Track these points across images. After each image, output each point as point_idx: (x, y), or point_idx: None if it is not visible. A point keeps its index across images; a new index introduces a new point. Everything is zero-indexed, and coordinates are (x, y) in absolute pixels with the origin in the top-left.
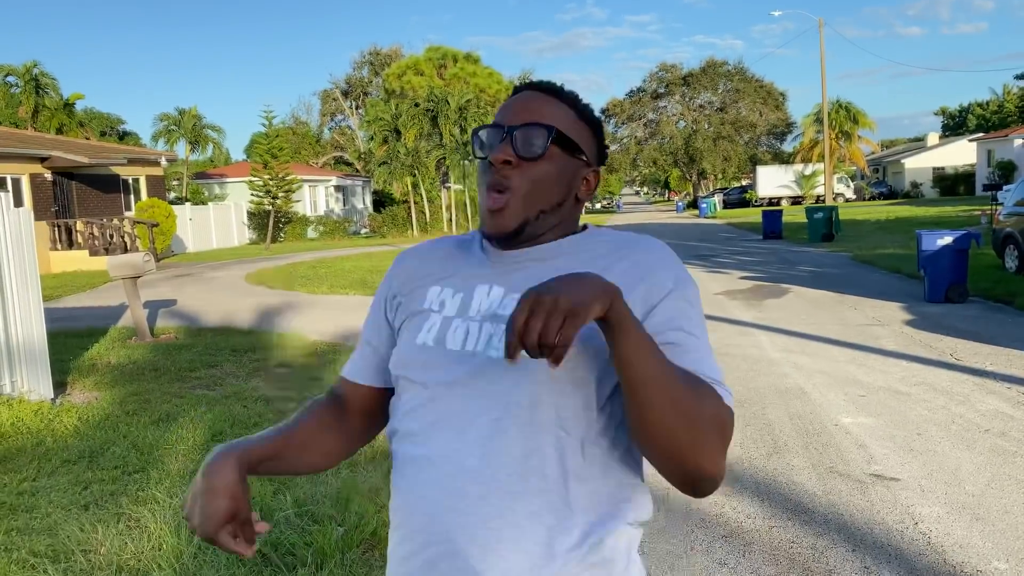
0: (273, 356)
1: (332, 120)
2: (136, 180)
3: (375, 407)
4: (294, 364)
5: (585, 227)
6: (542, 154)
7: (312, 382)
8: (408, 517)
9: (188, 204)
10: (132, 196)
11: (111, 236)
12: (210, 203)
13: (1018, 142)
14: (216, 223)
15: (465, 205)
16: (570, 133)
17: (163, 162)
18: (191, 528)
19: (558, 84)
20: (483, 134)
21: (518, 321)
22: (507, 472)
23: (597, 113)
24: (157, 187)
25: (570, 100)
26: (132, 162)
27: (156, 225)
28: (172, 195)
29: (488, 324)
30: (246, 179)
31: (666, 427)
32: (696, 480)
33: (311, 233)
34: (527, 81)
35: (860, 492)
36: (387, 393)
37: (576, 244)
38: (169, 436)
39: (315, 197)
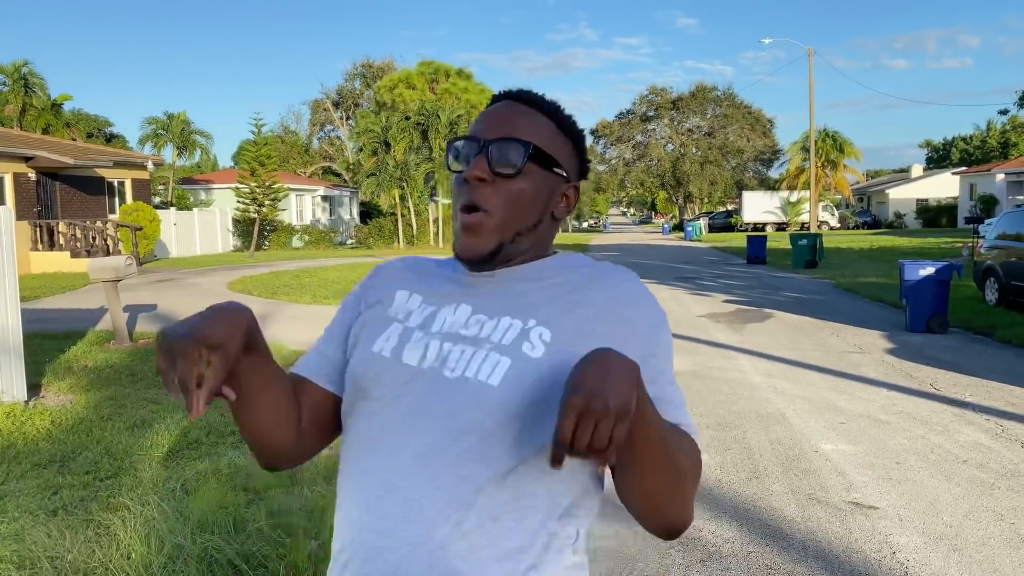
0: None
1: (321, 130)
2: (121, 183)
3: (324, 411)
4: None
5: (555, 252)
6: (518, 172)
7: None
8: (341, 529)
9: (173, 209)
10: (117, 199)
11: (93, 238)
12: (195, 209)
13: (1000, 177)
14: (201, 229)
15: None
16: (549, 147)
17: (149, 166)
18: (163, 337)
19: (538, 93)
20: (459, 145)
21: (566, 431)
22: (433, 499)
23: (583, 127)
24: (142, 191)
25: (550, 111)
26: (118, 165)
27: (140, 229)
28: (157, 199)
29: (448, 343)
30: (233, 186)
31: (659, 488)
32: (674, 528)
33: (296, 242)
34: (506, 90)
35: (839, 520)
36: (336, 401)
37: (551, 269)
38: (143, 442)
39: (301, 206)
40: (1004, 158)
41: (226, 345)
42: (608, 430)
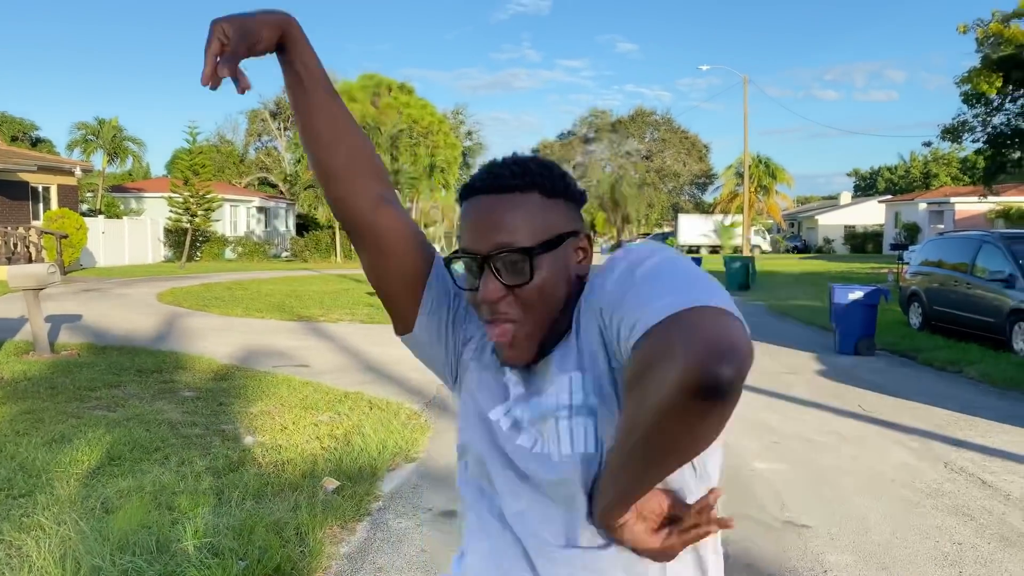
0: (180, 378)
1: (258, 140)
2: (47, 189)
3: (394, 243)
4: (202, 387)
5: None
6: (529, 279)
7: (220, 407)
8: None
9: (102, 217)
10: (41, 205)
11: (15, 245)
12: (125, 217)
13: (923, 206)
14: (130, 238)
15: None
16: (547, 228)
17: (77, 172)
18: (218, 25)
19: (507, 172)
20: (457, 267)
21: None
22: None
23: (551, 160)
24: (69, 197)
25: (530, 184)
26: (43, 170)
27: (65, 236)
28: (85, 207)
29: (537, 422)
30: (165, 195)
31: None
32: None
33: (229, 254)
34: (475, 182)
35: (773, 538)
36: (413, 260)
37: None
38: (62, 459)
39: (236, 217)
40: (926, 188)
41: (242, 28)
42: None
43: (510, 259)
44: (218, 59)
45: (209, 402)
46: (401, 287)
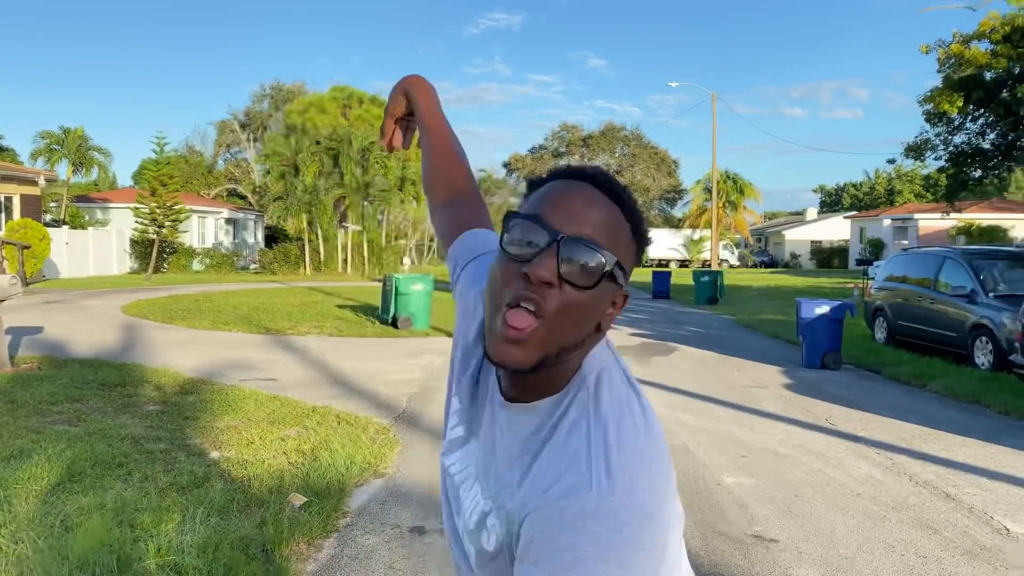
0: (144, 392)
1: (228, 151)
2: (9, 198)
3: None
4: (166, 401)
5: (580, 376)
6: (590, 287)
7: (185, 421)
8: None
9: (66, 227)
10: (3, 215)
11: None
12: (90, 228)
13: (887, 222)
14: (95, 249)
15: (362, 247)
16: (624, 259)
17: (41, 181)
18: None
19: (618, 184)
20: (520, 227)
21: None
22: None
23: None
24: (32, 207)
25: (629, 210)
26: (5, 179)
27: (27, 247)
28: (49, 217)
29: (473, 472)
30: (132, 205)
31: None
32: None
33: (197, 265)
34: (582, 168)
35: (741, 553)
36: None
37: (554, 419)
38: (20, 475)
39: (203, 229)
40: (891, 204)
41: (393, 101)
42: None
43: (583, 254)
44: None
45: (174, 416)
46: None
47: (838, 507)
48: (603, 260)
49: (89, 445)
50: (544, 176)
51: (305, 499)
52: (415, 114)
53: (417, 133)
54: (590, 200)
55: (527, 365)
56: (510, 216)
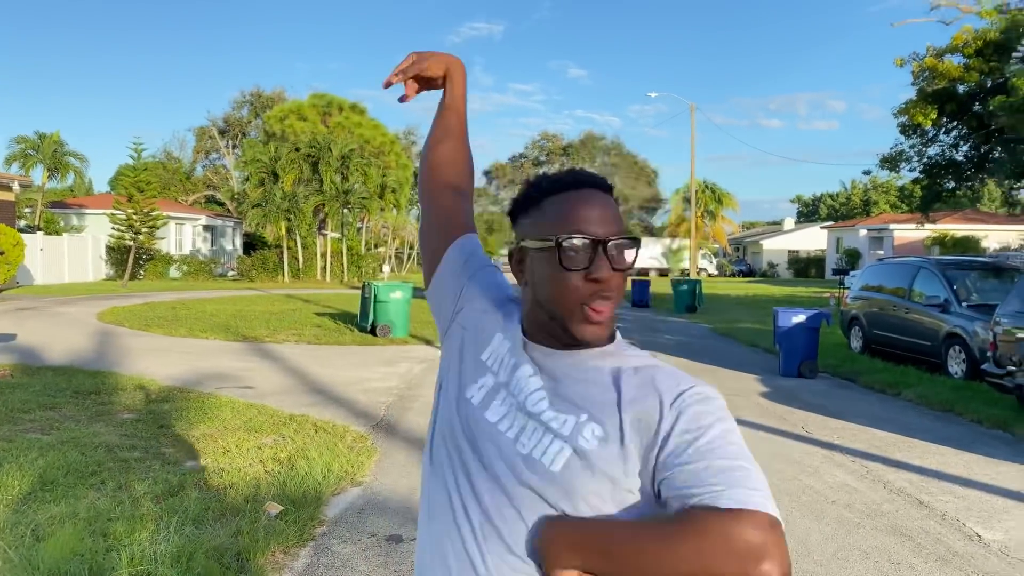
0: (119, 400)
1: (206, 158)
2: None
3: (437, 220)
4: (142, 409)
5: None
6: (631, 264)
7: (160, 429)
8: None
9: (40, 233)
10: None
11: None
12: (66, 234)
13: (863, 232)
14: (70, 255)
15: (341, 254)
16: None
17: (15, 187)
18: (411, 54)
19: (603, 179)
20: (571, 247)
21: None
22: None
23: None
24: (6, 213)
25: (613, 193)
26: None
27: (1, 253)
28: (23, 223)
29: (522, 416)
30: (108, 211)
31: None
32: None
33: (174, 272)
34: (592, 175)
35: None
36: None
37: (612, 356)
38: None
39: (181, 235)
40: (866, 215)
41: (431, 63)
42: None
43: (624, 247)
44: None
45: (149, 425)
46: (429, 256)
47: (813, 514)
48: (634, 247)
49: (62, 454)
50: (543, 183)
51: (281, 508)
52: (448, 92)
53: (419, 96)
54: (604, 202)
55: (606, 338)
56: (563, 241)
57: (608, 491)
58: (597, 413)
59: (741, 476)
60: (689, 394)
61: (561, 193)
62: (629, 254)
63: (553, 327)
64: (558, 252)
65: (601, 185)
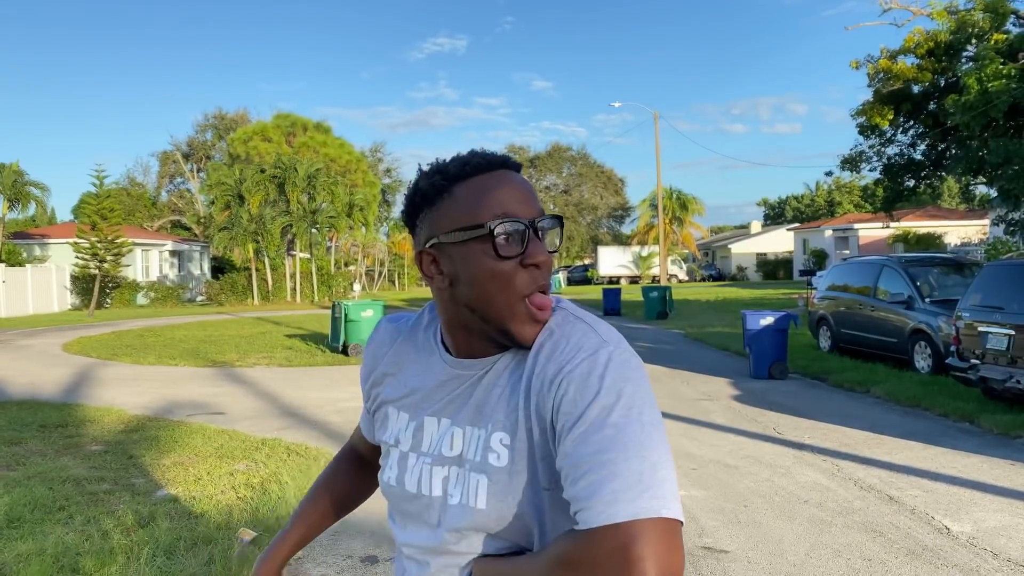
0: (87, 432)
1: (171, 183)
2: None
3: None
4: (110, 440)
5: None
6: (559, 244)
7: (129, 460)
8: None
9: (2, 265)
10: None
11: None
12: (29, 265)
13: (828, 233)
14: (34, 286)
15: (311, 274)
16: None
17: None
18: None
19: (511, 158)
20: (509, 229)
21: None
22: None
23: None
24: None
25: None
26: None
27: None
28: None
29: (438, 466)
30: (72, 240)
31: None
32: None
33: (141, 299)
34: (506, 157)
35: (692, 566)
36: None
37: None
38: None
39: (148, 262)
40: (831, 215)
41: None
42: None
43: (553, 225)
44: None
45: (118, 456)
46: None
47: (786, 515)
48: (559, 225)
49: (28, 489)
50: (450, 169)
51: (255, 534)
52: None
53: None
54: (522, 181)
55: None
56: (500, 225)
57: (547, 498)
58: (503, 416)
59: (605, 475)
60: (577, 362)
61: (474, 177)
62: (556, 234)
63: (486, 330)
64: (492, 240)
65: (512, 165)
